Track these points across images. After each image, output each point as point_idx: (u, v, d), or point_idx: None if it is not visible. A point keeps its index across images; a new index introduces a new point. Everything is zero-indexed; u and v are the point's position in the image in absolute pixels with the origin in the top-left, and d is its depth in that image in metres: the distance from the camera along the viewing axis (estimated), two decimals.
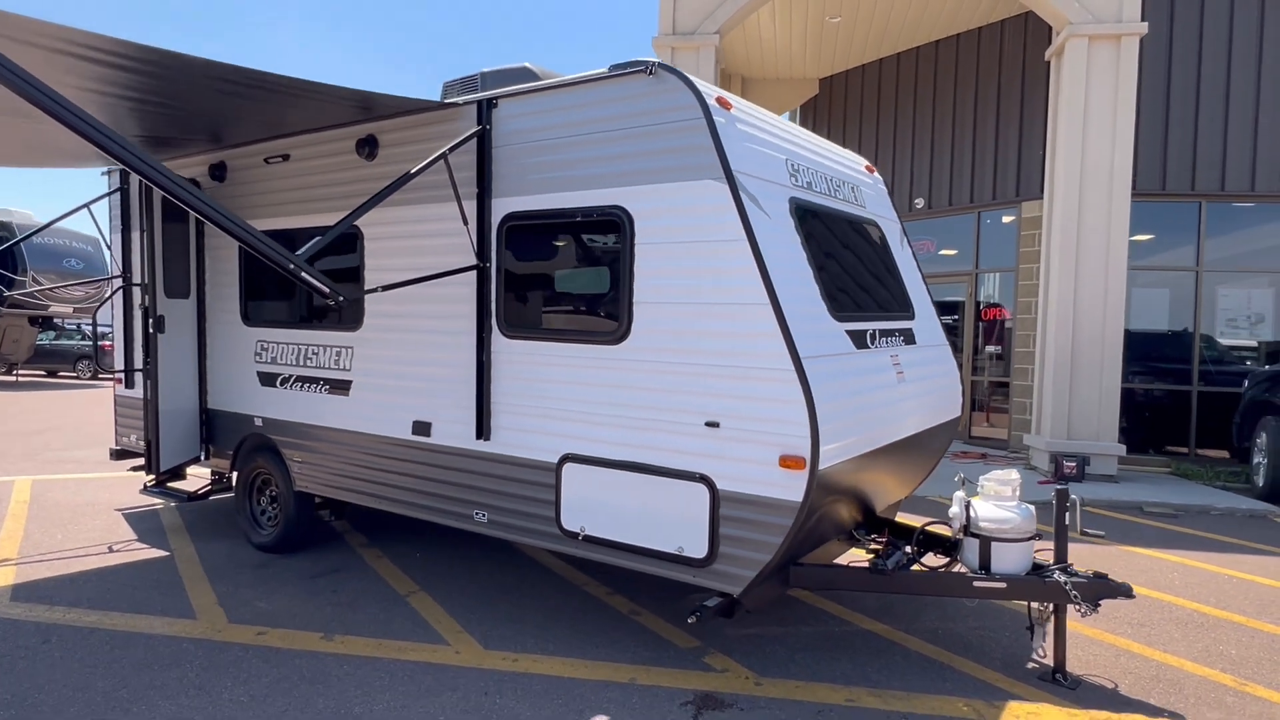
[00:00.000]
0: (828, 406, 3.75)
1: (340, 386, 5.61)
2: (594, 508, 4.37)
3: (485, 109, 4.72)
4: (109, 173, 7.48)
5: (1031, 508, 4.38)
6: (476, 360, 4.81)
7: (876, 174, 5.96)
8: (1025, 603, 4.62)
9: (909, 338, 5.11)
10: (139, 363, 7.18)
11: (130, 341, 7.28)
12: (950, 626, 5.05)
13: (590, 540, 4.39)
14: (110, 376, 7.30)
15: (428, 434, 5.11)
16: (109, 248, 7.29)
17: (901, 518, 6.43)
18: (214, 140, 6.10)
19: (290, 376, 5.94)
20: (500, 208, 4.71)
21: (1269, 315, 11.12)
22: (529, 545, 4.73)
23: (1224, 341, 11.22)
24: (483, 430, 4.80)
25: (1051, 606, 4.31)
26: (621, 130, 4.20)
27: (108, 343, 24.58)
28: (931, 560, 4.72)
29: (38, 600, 5.16)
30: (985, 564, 4.30)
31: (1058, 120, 10.01)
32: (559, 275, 4.57)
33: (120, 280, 7.32)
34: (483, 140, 4.72)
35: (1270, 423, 9.20)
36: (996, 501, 4.37)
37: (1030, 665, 4.51)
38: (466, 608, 5.16)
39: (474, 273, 4.82)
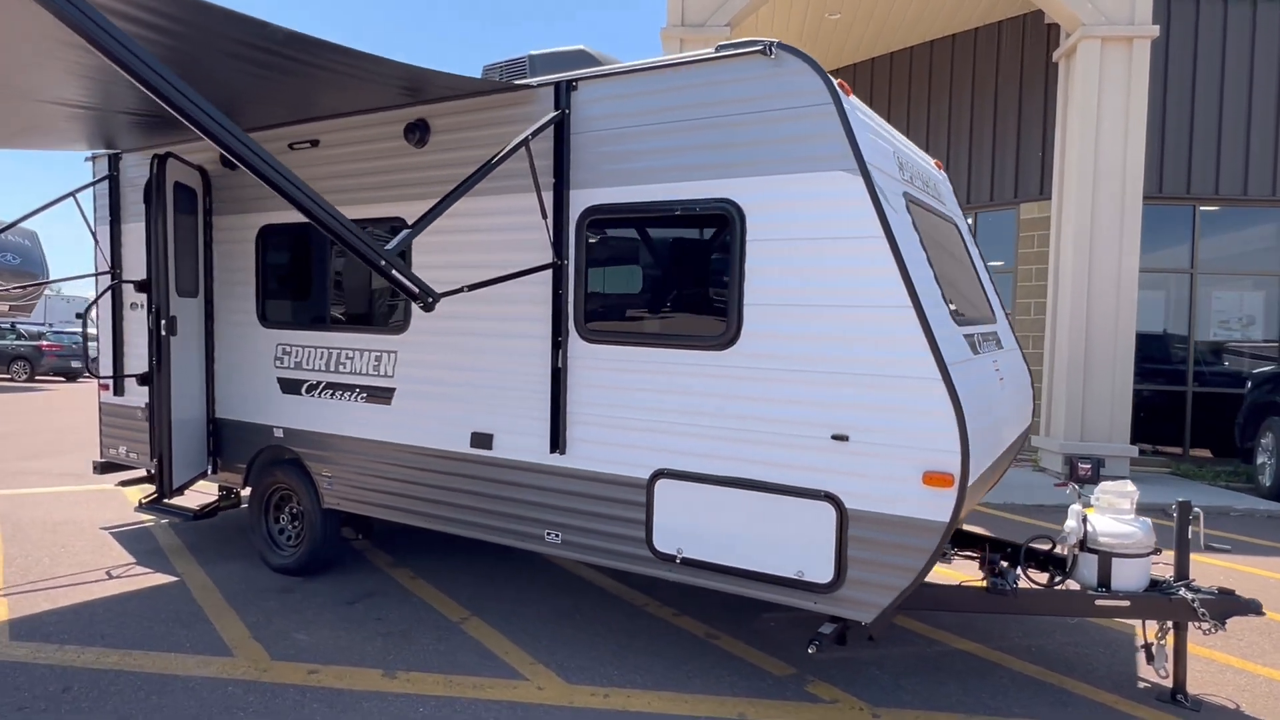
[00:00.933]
0: (971, 417, 3.46)
1: (381, 395, 5.13)
2: (694, 528, 4.01)
3: (564, 92, 4.32)
4: (93, 158, 6.81)
5: (1149, 520, 4.19)
6: (551, 367, 4.40)
7: (944, 171, 5.73)
8: (1135, 620, 4.43)
9: (998, 341, 4.88)
10: (132, 366, 6.54)
11: (120, 344, 6.63)
12: (1041, 643, 4.84)
13: (689, 563, 4.03)
14: (98, 381, 6.62)
15: (489, 447, 4.68)
16: (95, 240, 6.62)
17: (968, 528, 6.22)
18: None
19: (319, 384, 5.43)
20: (580, 200, 4.31)
21: (1259, 317, 11.33)
22: (606, 566, 4.35)
23: (1213, 341, 11.39)
24: (558, 443, 4.40)
25: (1171, 624, 4.11)
26: (730, 116, 3.85)
27: (47, 342, 23.11)
28: (1035, 577, 4.49)
29: (43, 638, 4.57)
30: (1104, 581, 4.08)
31: (1068, 121, 9.98)
32: (650, 274, 4.19)
33: (109, 277, 6.66)
34: (560, 126, 4.32)
35: (1277, 423, 9.32)
36: (1115, 515, 4.16)
37: (1142, 685, 4.32)
38: (530, 634, 4.74)
39: (546, 272, 4.41)
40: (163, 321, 5.46)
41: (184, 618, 4.91)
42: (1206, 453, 11.32)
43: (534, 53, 5.07)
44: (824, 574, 3.69)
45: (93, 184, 6.60)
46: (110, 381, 6.74)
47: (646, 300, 4.19)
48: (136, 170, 6.49)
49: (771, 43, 3.72)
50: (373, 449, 5.18)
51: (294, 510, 5.72)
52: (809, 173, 3.66)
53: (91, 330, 6.84)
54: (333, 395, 5.36)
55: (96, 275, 6.77)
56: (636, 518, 4.19)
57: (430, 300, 3.57)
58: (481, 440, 4.71)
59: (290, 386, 5.58)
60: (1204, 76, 10.92)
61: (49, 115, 4.95)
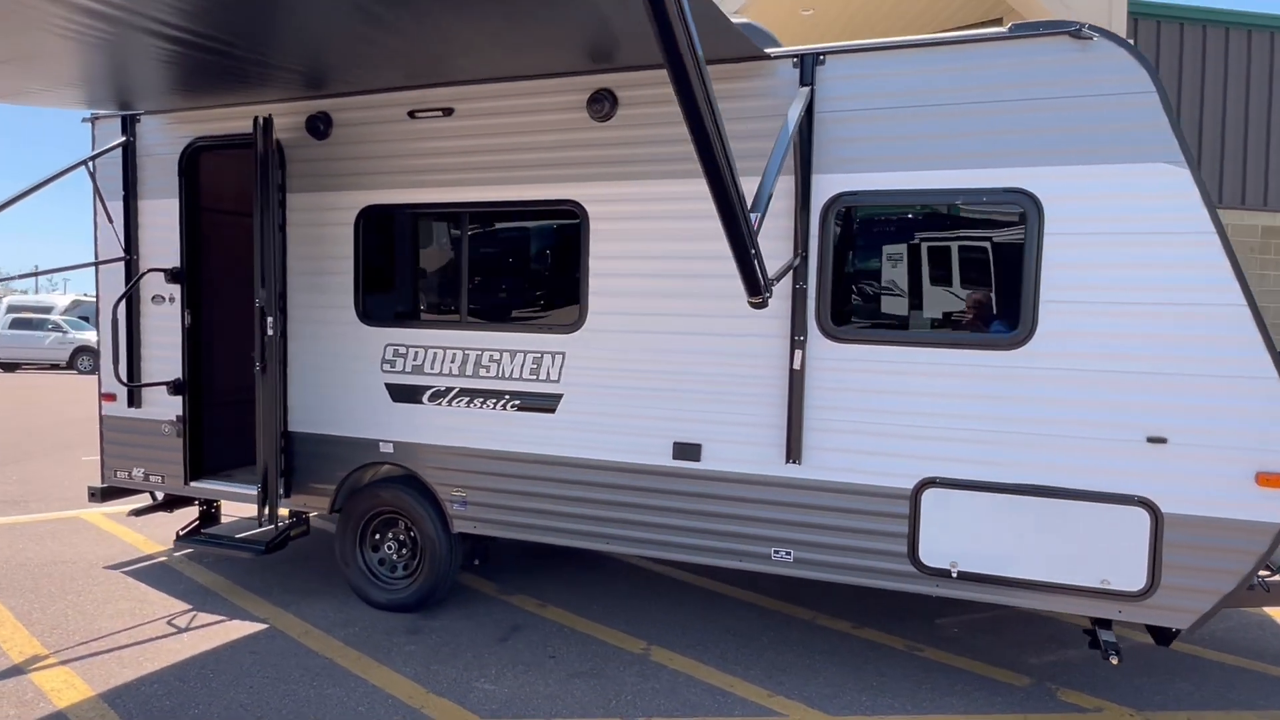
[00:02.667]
0: None
1: (541, 402, 4.50)
2: (971, 540, 3.76)
3: (809, 66, 3.91)
4: (94, 119, 5.60)
5: None
6: (788, 368, 4.00)
7: None
8: None
9: None
10: (154, 372, 5.44)
11: (135, 346, 5.50)
12: (1227, 632, 4.97)
13: (966, 577, 3.78)
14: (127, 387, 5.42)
15: (696, 458, 4.21)
16: (109, 218, 5.43)
17: None
18: (311, 82, 4.66)
19: (449, 390, 4.70)
20: (826, 186, 3.93)
21: None
22: (848, 584, 4.01)
23: None
24: (793, 452, 4.01)
25: None
26: (1025, 101, 3.61)
27: None
28: None
29: (169, 715, 3.66)
30: None
31: None
32: (914, 268, 3.88)
33: (123, 262, 5.50)
34: (809, 107, 3.91)
35: None
36: None
37: None
38: (732, 661, 4.32)
39: (771, 263, 4.00)
40: (269, 319, 4.50)
41: (318, 672, 4.10)
42: None
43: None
44: (1135, 581, 3.55)
45: (105, 151, 5.41)
46: (115, 392, 5.58)
47: (909, 295, 3.89)
48: (159, 136, 5.39)
49: (1083, 25, 3.51)
50: (528, 464, 4.55)
51: (403, 537, 4.94)
52: (1125, 164, 3.49)
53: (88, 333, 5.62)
54: (469, 404, 4.66)
55: (97, 263, 5.57)
56: (896, 531, 3.88)
57: (766, 297, 3.08)
58: (687, 451, 4.23)
59: (405, 394, 4.81)
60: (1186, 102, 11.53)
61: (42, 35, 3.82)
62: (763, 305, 3.06)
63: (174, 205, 5.36)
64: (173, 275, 5.32)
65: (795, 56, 3.94)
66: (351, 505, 4.99)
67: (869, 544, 3.94)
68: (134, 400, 5.54)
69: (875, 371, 3.89)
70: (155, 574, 5.57)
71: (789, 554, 4.08)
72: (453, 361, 4.70)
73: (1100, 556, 3.59)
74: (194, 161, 5.36)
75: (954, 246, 3.84)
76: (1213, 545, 3.45)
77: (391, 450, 4.87)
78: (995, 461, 3.72)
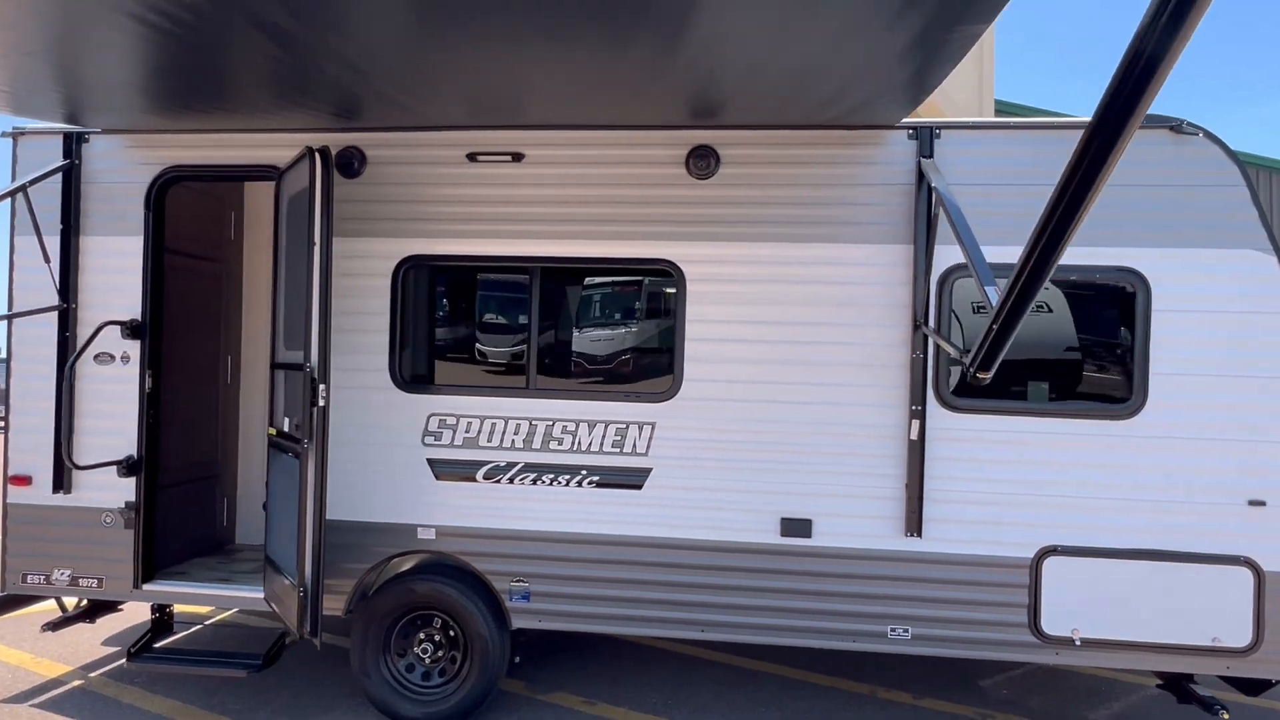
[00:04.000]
0: None
1: (626, 477, 4.10)
2: (1090, 605, 3.84)
3: (927, 139, 3.95)
4: (16, 134, 4.51)
5: None
6: (909, 440, 3.93)
7: None
8: None
9: None
10: (93, 449, 4.38)
11: (69, 416, 4.41)
12: None
13: (1089, 644, 3.84)
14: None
15: (807, 534, 4.00)
16: (46, 258, 4.33)
17: None
18: (344, 110, 4.05)
19: (512, 466, 4.16)
20: (944, 257, 3.96)
21: None
22: (967, 658, 3.95)
23: None
24: (913, 525, 3.92)
25: None
26: (1129, 187, 3.85)
27: None
28: None
29: None
30: None
31: None
32: (1030, 340, 3.97)
33: (57, 312, 4.42)
34: (919, 175, 3.94)
35: None
36: None
37: None
38: None
39: (892, 332, 3.96)
40: (321, 387, 3.73)
41: None
42: None
43: None
44: (1242, 638, 3.77)
45: (46, 175, 4.34)
46: (30, 474, 4.44)
47: (1022, 366, 3.97)
48: (117, 161, 4.45)
49: (1182, 121, 3.83)
50: (609, 548, 4.11)
51: (439, 638, 4.26)
52: (1220, 248, 3.81)
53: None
54: (536, 481, 4.15)
55: (10, 316, 4.43)
56: (1017, 601, 3.89)
57: (980, 376, 2.98)
58: (796, 527, 4.01)
59: (453, 470, 4.20)
60: None
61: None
62: (987, 382, 2.97)
63: (132, 245, 4.41)
64: (131, 329, 4.35)
65: (913, 129, 3.97)
66: (376, 604, 4.24)
67: (990, 616, 3.91)
68: (61, 484, 4.42)
69: (994, 442, 3.91)
70: (78, 706, 4.40)
71: (906, 630, 3.96)
72: (516, 433, 4.18)
73: (1208, 615, 3.79)
74: (163, 194, 4.46)
75: (1068, 320, 3.99)
76: None
77: (432, 537, 4.21)
78: (1110, 527, 3.85)
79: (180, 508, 4.83)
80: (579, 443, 4.14)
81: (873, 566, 3.97)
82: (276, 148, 4.32)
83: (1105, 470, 3.86)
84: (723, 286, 4.08)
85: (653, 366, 4.19)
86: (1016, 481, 3.90)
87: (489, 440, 4.19)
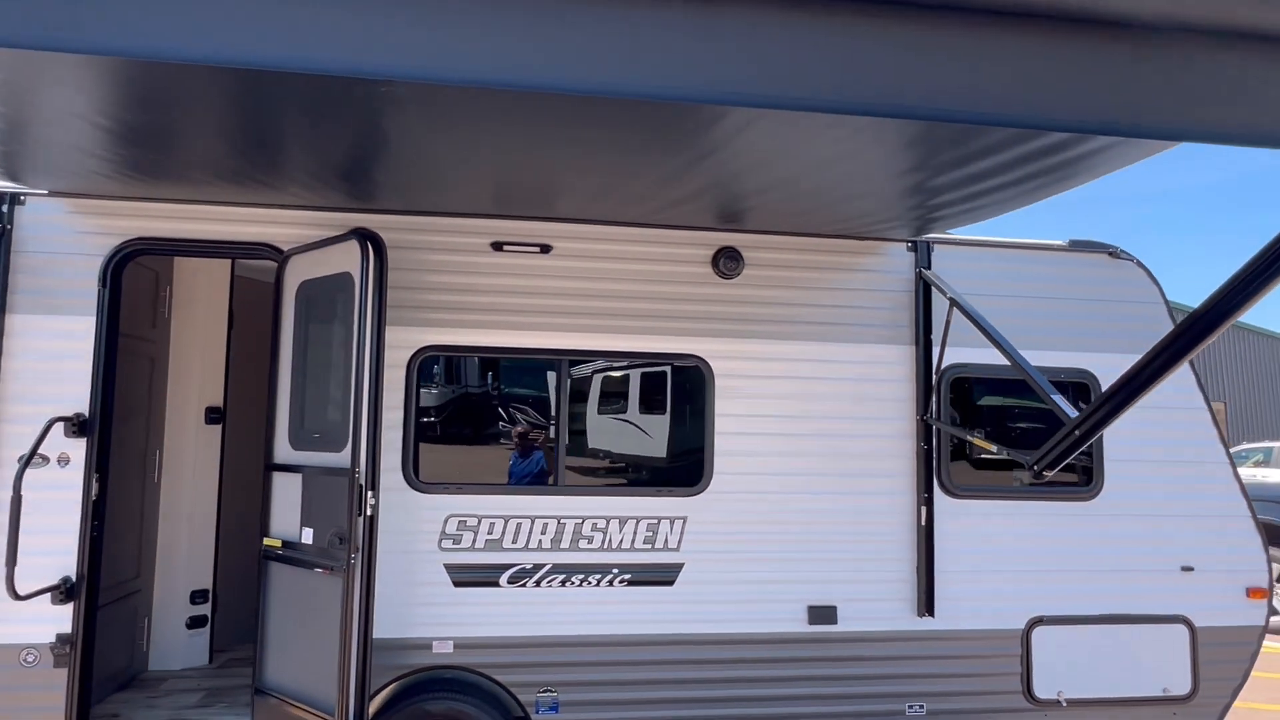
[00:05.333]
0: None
1: (658, 574, 4.06)
2: (1069, 668, 4.32)
3: (923, 251, 4.41)
4: None
5: None
6: (918, 525, 4.25)
7: None
8: None
9: None
10: (24, 572, 3.61)
11: (17, 530, 3.60)
12: None
13: (1073, 703, 4.30)
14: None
15: (832, 621, 4.16)
16: None
17: None
18: (355, 193, 3.84)
19: (539, 568, 3.96)
20: (945, 357, 4.38)
21: None
22: None
23: None
24: (926, 605, 4.22)
25: None
26: (1080, 300, 4.54)
27: None
28: None
29: None
30: None
31: None
32: (1008, 431, 4.48)
33: None
34: (925, 286, 4.38)
35: None
36: None
37: None
38: None
39: (899, 425, 4.31)
40: (369, 498, 3.32)
41: None
42: None
43: None
44: (1184, 686, 4.40)
45: None
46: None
47: (1008, 454, 4.45)
48: (51, 229, 3.82)
49: (1118, 248, 4.59)
50: (640, 648, 4.01)
51: None
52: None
53: None
54: (565, 583, 3.99)
55: None
56: (1012, 670, 4.28)
57: (1042, 468, 3.35)
58: (822, 615, 4.16)
59: (474, 575, 3.92)
60: None
61: None
62: (1048, 478, 3.34)
63: (76, 325, 3.78)
64: (77, 426, 3.68)
65: (911, 242, 4.42)
66: None
67: (991, 686, 4.26)
68: None
69: (987, 523, 4.34)
70: None
71: (922, 707, 4.20)
72: (544, 533, 4.00)
73: (1157, 669, 4.40)
74: (120, 270, 3.88)
75: (1035, 415, 4.56)
76: (1225, 647, 4.48)
77: (449, 650, 3.88)
78: (1080, 595, 4.37)
79: (104, 636, 4.05)
80: (609, 540, 4.04)
81: (892, 648, 4.20)
82: (272, 225, 3.94)
83: (1075, 544, 4.40)
84: (748, 382, 4.24)
85: (684, 459, 4.22)
86: (1008, 558, 4.34)
87: (514, 541, 3.98)
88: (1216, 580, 4.48)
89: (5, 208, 3.76)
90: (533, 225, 4.14)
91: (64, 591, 3.60)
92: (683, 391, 4.29)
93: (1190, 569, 4.47)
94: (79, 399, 3.73)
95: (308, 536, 3.53)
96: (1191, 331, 2.87)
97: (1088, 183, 3.54)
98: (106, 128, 2.95)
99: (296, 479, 3.65)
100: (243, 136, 3.14)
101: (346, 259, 3.50)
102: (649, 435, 4.30)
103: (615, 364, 4.23)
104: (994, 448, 3.83)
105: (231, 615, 5.14)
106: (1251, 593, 4.51)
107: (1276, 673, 7.16)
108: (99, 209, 3.84)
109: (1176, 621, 4.43)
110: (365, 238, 3.46)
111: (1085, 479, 4.48)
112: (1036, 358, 4.36)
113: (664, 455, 4.27)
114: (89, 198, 3.83)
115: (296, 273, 3.78)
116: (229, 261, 5.06)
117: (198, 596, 4.89)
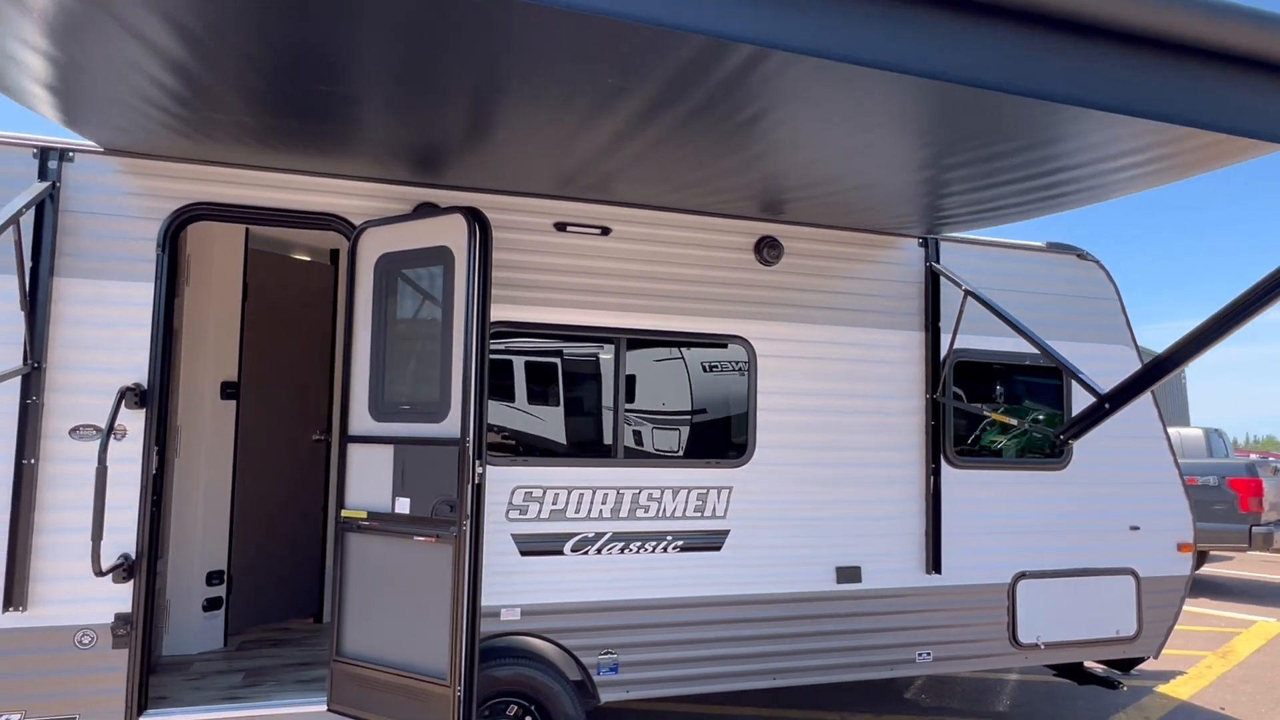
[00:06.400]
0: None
1: (707, 540, 4.33)
2: (1045, 616, 4.95)
3: (933, 248, 4.89)
4: None
5: None
6: (927, 492, 4.74)
7: None
8: None
9: None
10: (61, 555, 3.44)
11: (24, 512, 3.40)
12: None
13: (1049, 646, 4.93)
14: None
15: (857, 579, 4.58)
16: (29, 305, 3.29)
17: None
18: (420, 165, 3.87)
19: (600, 536, 4.14)
20: (946, 344, 4.89)
21: None
22: (967, 671, 4.76)
23: None
24: (935, 564, 4.72)
25: None
26: (1051, 295, 5.17)
27: None
28: None
29: None
30: None
31: None
32: (992, 408, 5.04)
33: (20, 377, 3.40)
34: (933, 278, 4.86)
35: None
36: None
37: None
38: None
39: (907, 402, 4.79)
40: (476, 463, 3.37)
41: None
42: None
43: None
44: (1131, 628, 5.14)
45: (31, 203, 3.32)
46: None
47: (993, 429, 5.02)
48: (104, 189, 3.63)
49: (1083, 250, 5.26)
50: (692, 609, 4.28)
51: None
52: (1104, 344, 5.27)
53: None
54: (624, 550, 4.19)
55: None
56: (1001, 620, 4.86)
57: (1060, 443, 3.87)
58: (848, 574, 4.56)
59: (540, 545, 4.05)
60: None
61: None
62: (1060, 453, 3.87)
63: (133, 292, 3.61)
64: (138, 396, 3.52)
65: (922, 239, 4.89)
66: None
67: (985, 634, 4.82)
68: (12, 600, 3.37)
69: (982, 489, 4.89)
70: None
71: (929, 654, 4.70)
72: (604, 503, 4.18)
73: (1112, 614, 5.11)
74: (179, 233, 3.72)
75: (1031, 393, 5.15)
76: (1162, 594, 5.26)
77: (517, 618, 4.00)
78: (1054, 551, 5.01)
79: None
80: (664, 509, 4.27)
81: (905, 603, 4.67)
82: (338, 195, 3.90)
83: (1049, 507, 5.04)
84: (788, 362, 4.57)
85: (730, 433, 4.49)
86: (997, 520, 4.91)
87: (576, 511, 4.13)
88: (1156, 537, 5.25)
89: (54, 163, 3.53)
90: (593, 207, 4.29)
91: (126, 570, 3.45)
92: (728, 368, 4.57)
93: (1137, 528, 5.21)
94: (136, 368, 3.57)
95: (402, 506, 3.55)
96: (1213, 329, 3.43)
97: (1098, 202, 4.10)
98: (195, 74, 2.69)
99: (384, 450, 3.65)
100: (357, 105, 3.09)
101: (444, 233, 3.54)
102: (700, 409, 4.55)
103: (668, 341, 4.45)
104: (1014, 421, 4.34)
105: (246, 597, 4.97)
106: (1181, 547, 5.31)
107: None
108: (155, 170, 3.67)
109: (1126, 573, 5.16)
110: (472, 214, 3.51)
111: (1057, 451, 5.13)
112: (1015, 344, 4.97)
113: (713, 428, 4.53)
114: (144, 157, 3.65)
115: (375, 245, 3.76)
116: (243, 232, 4.87)
117: (213, 578, 4.70)
